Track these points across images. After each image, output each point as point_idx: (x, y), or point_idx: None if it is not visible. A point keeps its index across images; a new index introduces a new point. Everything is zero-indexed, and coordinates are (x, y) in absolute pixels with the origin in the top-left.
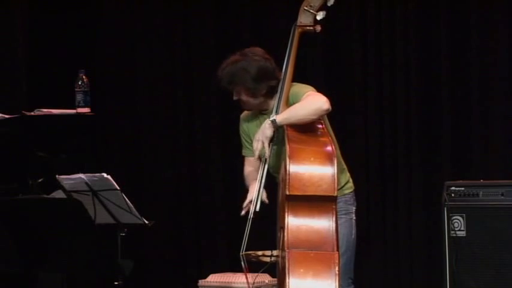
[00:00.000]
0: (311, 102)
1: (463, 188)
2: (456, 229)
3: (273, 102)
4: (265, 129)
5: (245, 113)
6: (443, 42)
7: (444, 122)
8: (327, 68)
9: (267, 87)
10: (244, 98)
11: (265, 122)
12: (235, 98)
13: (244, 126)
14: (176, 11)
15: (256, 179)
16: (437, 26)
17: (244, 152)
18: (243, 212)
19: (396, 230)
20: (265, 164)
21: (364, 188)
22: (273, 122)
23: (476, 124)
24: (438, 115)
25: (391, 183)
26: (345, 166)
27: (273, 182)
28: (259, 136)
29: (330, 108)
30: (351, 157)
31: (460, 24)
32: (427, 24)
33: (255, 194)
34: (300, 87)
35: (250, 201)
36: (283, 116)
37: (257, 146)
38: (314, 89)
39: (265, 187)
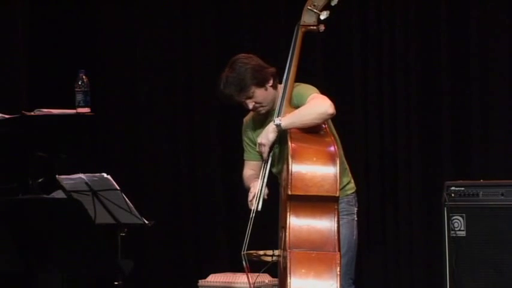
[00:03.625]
0: (316, 106)
1: (463, 188)
2: (456, 229)
3: (278, 101)
4: (269, 133)
5: (249, 116)
6: (443, 43)
7: (444, 122)
8: (326, 68)
9: (271, 74)
10: (258, 97)
11: (269, 125)
12: (250, 106)
13: (249, 133)
14: (176, 11)
15: (257, 180)
16: (437, 27)
17: (245, 156)
18: (253, 207)
19: (396, 230)
20: (267, 163)
21: (364, 188)
22: (278, 126)
23: (476, 124)
24: (438, 115)
25: (391, 183)
26: (347, 166)
27: (275, 181)
28: (262, 139)
29: (335, 112)
30: (351, 157)
31: (460, 24)
32: (427, 24)
33: (257, 193)
34: (304, 89)
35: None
36: (288, 121)
37: (260, 148)
38: (318, 91)
39: (267, 186)
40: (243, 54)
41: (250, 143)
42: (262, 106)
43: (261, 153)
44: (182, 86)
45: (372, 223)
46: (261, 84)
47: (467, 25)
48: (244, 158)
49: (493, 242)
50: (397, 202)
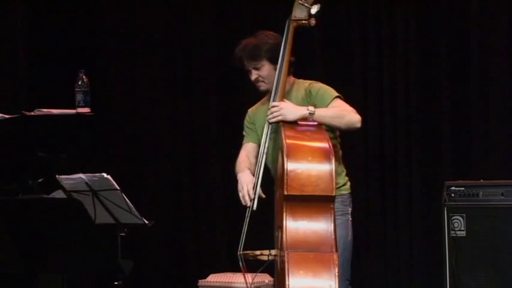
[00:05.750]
0: (349, 116)
1: (463, 188)
2: (456, 229)
3: (272, 95)
4: (296, 112)
5: (254, 107)
6: (443, 42)
7: (444, 122)
8: (326, 68)
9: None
10: (264, 72)
11: (303, 108)
12: (253, 77)
13: (252, 119)
14: (176, 11)
15: (249, 167)
16: (437, 25)
17: (244, 140)
18: (249, 203)
19: (396, 230)
20: (261, 162)
21: (364, 189)
22: (312, 114)
23: (476, 124)
24: (438, 115)
25: (391, 183)
26: (344, 169)
27: (271, 181)
28: (283, 110)
29: (360, 127)
30: (351, 157)
31: (460, 24)
32: (427, 23)
33: (252, 192)
34: (326, 91)
35: (249, 196)
36: (321, 113)
37: (273, 110)
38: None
39: (261, 184)
40: (272, 32)
41: (251, 127)
42: (264, 82)
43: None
44: (182, 86)
45: (372, 223)
46: (273, 61)
47: (468, 23)
48: (243, 142)
49: (493, 242)
50: (397, 202)
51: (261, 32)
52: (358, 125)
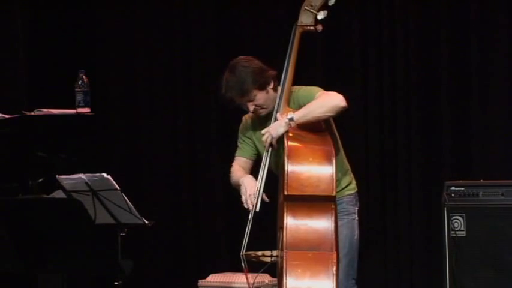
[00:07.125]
0: (328, 100)
1: (463, 188)
2: (456, 229)
3: (276, 101)
4: (280, 127)
5: (249, 116)
6: (443, 42)
7: (444, 121)
8: (326, 67)
9: (271, 77)
10: (260, 100)
11: (281, 120)
12: (251, 108)
13: (248, 132)
14: (176, 11)
15: (244, 175)
16: (437, 25)
17: (238, 152)
18: (251, 207)
19: (396, 230)
20: (265, 164)
21: (364, 188)
22: (291, 120)
23: (476, 124)
24: (438, 115)
25: (391, 183)
26: (348, 167)
27: (274, 180)
28: (271, 131)
29: (347, 105)
30: (351, 157)
31: (460, 24)
32: (427, 24)
33: (256, 193)
34: (309, 90)
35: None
36: (300, 114)
37: (266, 139)
38: (323, 90)
39: (265, 185)
40: (243, 57)
41: (246, 141)
42: (262, 108)
43: (264, 145)
44: (182, 86)
45: (372, 223)
46: (262, 87)
47: (468, 24)
48: (236, 155)
49: (493, 242)
50: (397, 202)
51: (234, 63)
52: (342, 103)
